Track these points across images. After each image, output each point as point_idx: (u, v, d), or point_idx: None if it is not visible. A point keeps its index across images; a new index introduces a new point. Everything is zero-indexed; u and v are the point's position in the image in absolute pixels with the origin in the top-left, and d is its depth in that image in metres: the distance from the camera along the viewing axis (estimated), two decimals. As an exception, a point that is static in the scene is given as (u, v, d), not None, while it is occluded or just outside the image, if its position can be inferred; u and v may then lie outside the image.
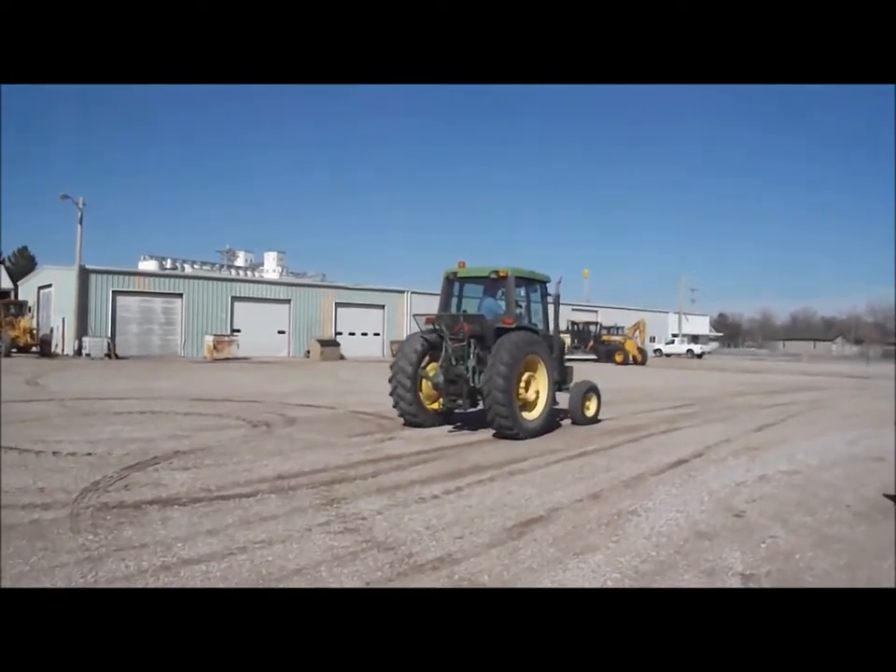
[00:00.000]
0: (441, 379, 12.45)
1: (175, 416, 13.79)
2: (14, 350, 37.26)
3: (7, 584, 4.63)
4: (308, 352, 47.52)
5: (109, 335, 40.73)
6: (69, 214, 41.24)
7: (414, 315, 13.70)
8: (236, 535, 5.98)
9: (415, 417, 12.73)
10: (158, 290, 44.65)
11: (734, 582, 5.06)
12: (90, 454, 9.39)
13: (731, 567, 5.38)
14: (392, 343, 47.73)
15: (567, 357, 47.59)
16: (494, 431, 11.84)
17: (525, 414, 12.05)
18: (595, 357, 51.74)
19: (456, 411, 12.92)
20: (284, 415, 14.32)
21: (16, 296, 52.98)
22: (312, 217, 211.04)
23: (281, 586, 4.79)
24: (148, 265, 63.23)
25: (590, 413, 13.87)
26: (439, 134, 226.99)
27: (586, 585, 4.96)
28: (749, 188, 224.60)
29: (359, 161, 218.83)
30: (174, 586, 4.74)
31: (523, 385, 12.13)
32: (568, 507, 7.22)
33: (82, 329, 40.26)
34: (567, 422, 13.80)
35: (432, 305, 14.28)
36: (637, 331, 54.72)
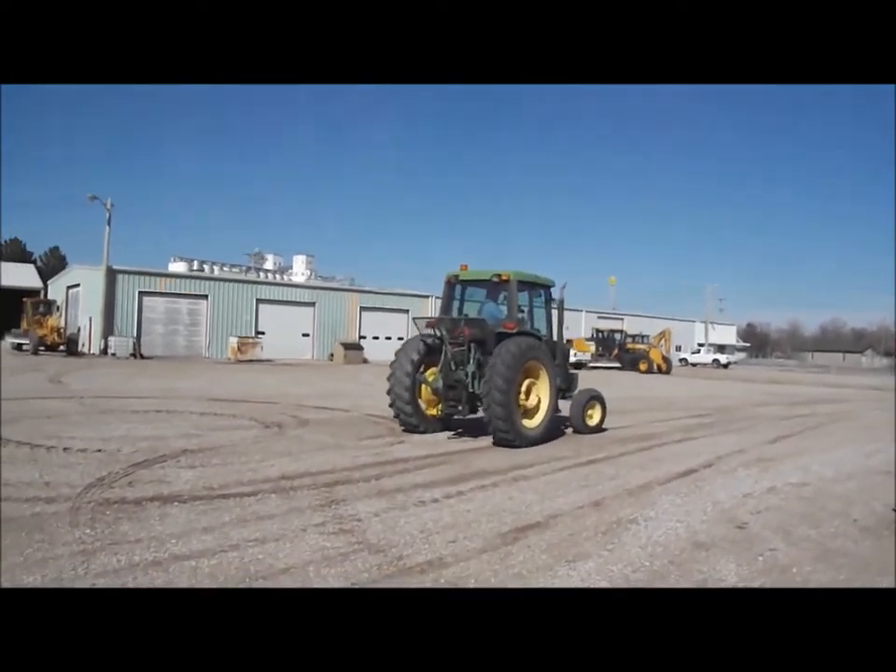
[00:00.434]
0: (440, 384, 12.24)
1: (191, 416, 13.91)
2: (42, 348, 37.79)
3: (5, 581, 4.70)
4: (332, 355, 47.67)
5: (135, 335, 41.19)
6: (100, 214, 41.67)
7: (414, 319, 13.38)
8: (231, 533, 6.01)
9: (413, 422, 12.45)
10: (183, 291, 45.11)
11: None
12: (100, 450, 9.49)
13: (723, 580, 5.29)
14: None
15: (592, 365, 47.07)
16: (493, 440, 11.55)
17: (526, 422, 11.81)
18: (619, 365, 51.44)
19: (455, 417, 12.73)
20: (297, 417, 14.38)
21: (45, 295, 53.77)
22: (341, 220, 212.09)
23: (267, 585, 4.80)
24: (178, 266, 63.94)
25: (592, 422, 13.47)
26: (472, 139, 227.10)
27: (573, 592, 4.92)
28: (780, 198, 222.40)
29: (390, 165, 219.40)
30: (168, 585, 4.78)
31: (523, 392, 11.90)
32: (568, 514, 7.17)
33: (108, 329, 40.75)
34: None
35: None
36: (663, 340, 54.34)
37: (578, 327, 66.20)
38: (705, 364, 66.12)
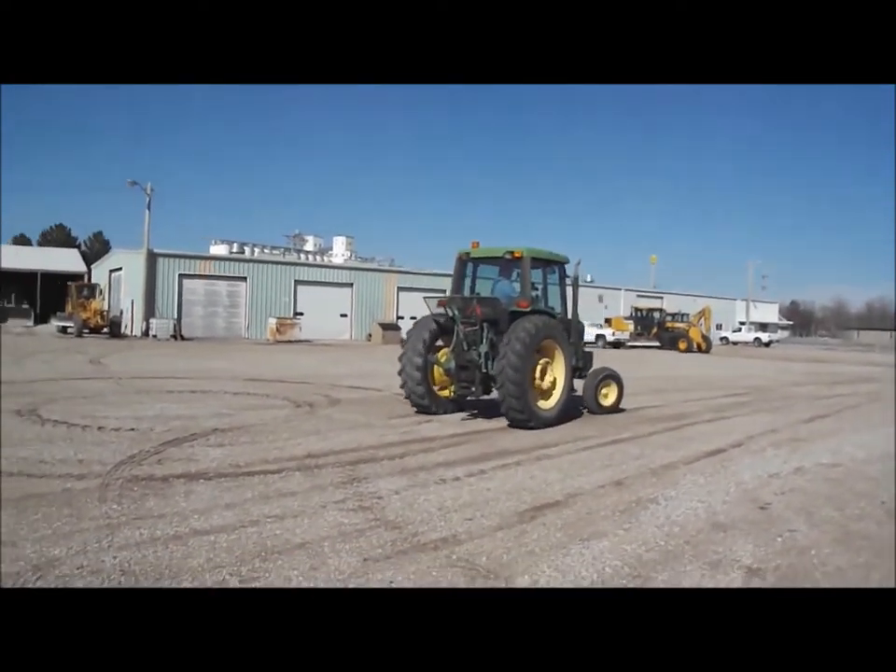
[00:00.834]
0: (452, 365, 12.02)
1: (224, 396, 14.14)
2: (86, 331, 38.57)
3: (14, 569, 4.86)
4: (370, 335, 47.98)
5: (175, 317, 41.89)
6: (141, 199, 42.28)
7: (425, 297, 12.95)
8: (252, 509, 6.15)
9: (425, 404, 12.26)
10: (223, 274, 45.69)
11: (737, 576, 4.97)
12: (133, 429, 9.72)
13: (738, 560, 5.27)
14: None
15: (631, 344, 46.60)
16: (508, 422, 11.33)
17: (541, 403, 11.57)
18: (658, 344, 51.02)
19: (468, 398, 12.57)
20: (329, 396, 14.54)
21: (89, 279, 54.81)
22: (382, 201, 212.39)
23: (282, 560, 4.91)
24: (219, 249, 64.58)
25: (607, 401, 13.17)
26: (516, 119, 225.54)
27: (583, 572, 4.94)
28: (824, 171, 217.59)
29: (437, 147, 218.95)
30: (185, 559, 4.92)
31: (538, 372, 11.61)
32: (588, 493, 7.18)
33: (150, 311, 41.51)
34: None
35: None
36: (702, 319, 53.76)
37: (617, 306, 65.84)
38: (746, 343, 65.14)
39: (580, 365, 13.01)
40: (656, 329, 52.32)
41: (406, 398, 12.54)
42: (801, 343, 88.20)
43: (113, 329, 39.78)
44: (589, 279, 71.35)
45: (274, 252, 73.75)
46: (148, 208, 42.01)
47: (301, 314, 46.56)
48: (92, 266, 59.86)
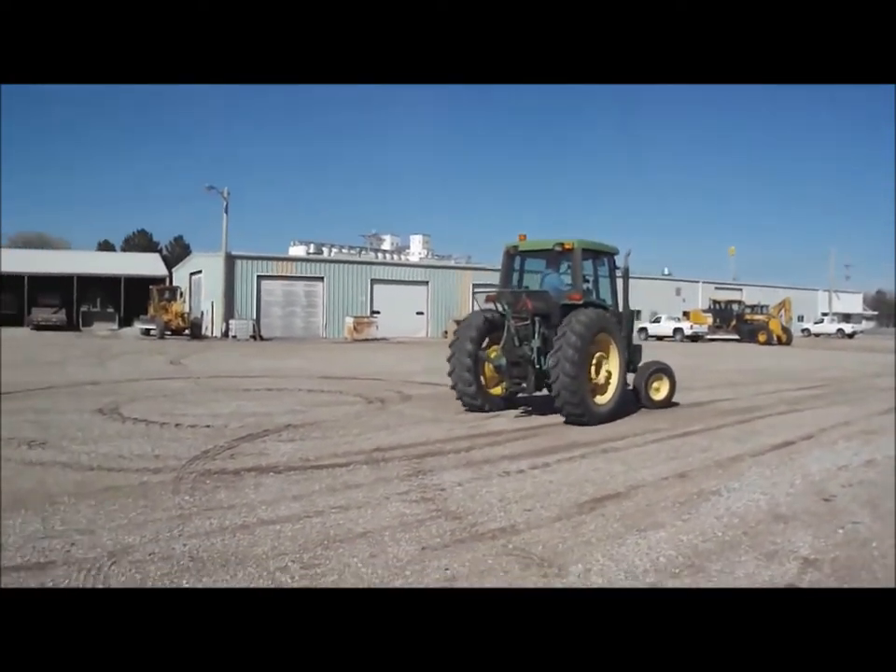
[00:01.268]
0: (503, 361, 11.75)
1: (298, 393, 14.54)
2: (168, 333, 40.00)
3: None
4: (445, 332, 48.18)
5: (254, 318, 42.98)
6: (219, 204, 43.48)
7: (475, 293, 12.64)
8: (318, 500, 6.37)
9: (477, 403, 12.05)
10: (300, 274, 46.66)
11: (792, 566, 4.92)
12: (208, 426, 10.11)
13: (795, 552, 5.21)
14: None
15: (710, 337, 45.44)
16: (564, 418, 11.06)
17: (597, 398, 11.33)
18: (737, 336, 49.98)
19: (520, 395, 12.43)
20: (401, 392, 14.78)
21: (170, 282, 56.61)
22: (458, 200, 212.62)
23: (344, 549, 5.12)
24: (297, 250, 65.87)
25: (659, 396, 12.85)
26: (588, 116, 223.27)
27: (637, 561, 4.99)
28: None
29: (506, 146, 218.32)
30: (251, 547, 5.17)
31: (593, 366, 11.36)
32: (651, 485, 7.18)
33: (229, 313, 42.70)
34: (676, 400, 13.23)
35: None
36: (783, 310, 52.54)
37: (695, 298, 64.67)
38: (829, 334, 63.09)
39: (633, 359, 12.78)
40: (735, 322, 51.25)
41: (458, 398, 12.36)
42: (887, 335, 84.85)
43: (194, 330, 41.09)
44: (666, 272, 70.27)
45: (351, 252, 74.75)
46: (226, 212, 43.22)
47: (378, 312, 47.21)
48: (173, 269, 61.91)
